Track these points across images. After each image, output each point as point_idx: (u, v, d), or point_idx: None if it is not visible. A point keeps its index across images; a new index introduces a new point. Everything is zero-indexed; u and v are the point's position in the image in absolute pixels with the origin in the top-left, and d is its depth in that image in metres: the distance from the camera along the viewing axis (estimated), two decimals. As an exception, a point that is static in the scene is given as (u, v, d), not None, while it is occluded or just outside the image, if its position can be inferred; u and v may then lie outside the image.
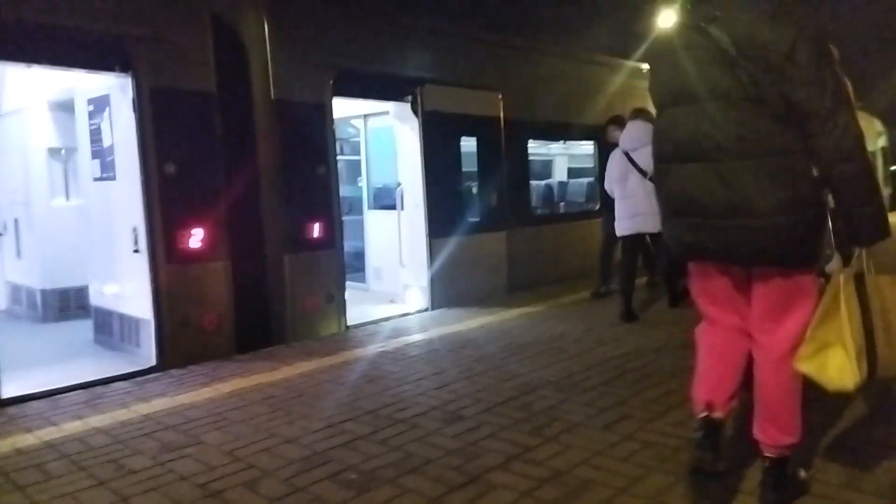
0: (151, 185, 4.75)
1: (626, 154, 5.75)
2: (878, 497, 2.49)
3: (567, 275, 8.17)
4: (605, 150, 6.87)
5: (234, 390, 4.17)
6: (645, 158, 5.46)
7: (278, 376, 4.45)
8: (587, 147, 9.56)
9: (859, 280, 2.18)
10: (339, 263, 5.91)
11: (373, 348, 5.13)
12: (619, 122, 6.54)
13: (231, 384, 4.30)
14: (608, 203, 6.21)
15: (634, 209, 5.67)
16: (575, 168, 12.40)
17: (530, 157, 8.36)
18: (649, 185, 5.33)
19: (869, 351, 2.16)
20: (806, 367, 2.21)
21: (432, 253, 6.57)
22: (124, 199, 4.99)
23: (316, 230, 5.71)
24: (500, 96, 7.40)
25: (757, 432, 2.45)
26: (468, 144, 7.21)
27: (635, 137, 5.69)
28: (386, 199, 7.62)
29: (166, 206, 4.81)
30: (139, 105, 4.70)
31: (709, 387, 2.49)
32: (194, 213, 4.96)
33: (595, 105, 8.84)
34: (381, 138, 7.73)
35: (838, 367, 2.14)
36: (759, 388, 2.41)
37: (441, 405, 3.72)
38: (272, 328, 5.51)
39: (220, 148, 5.13)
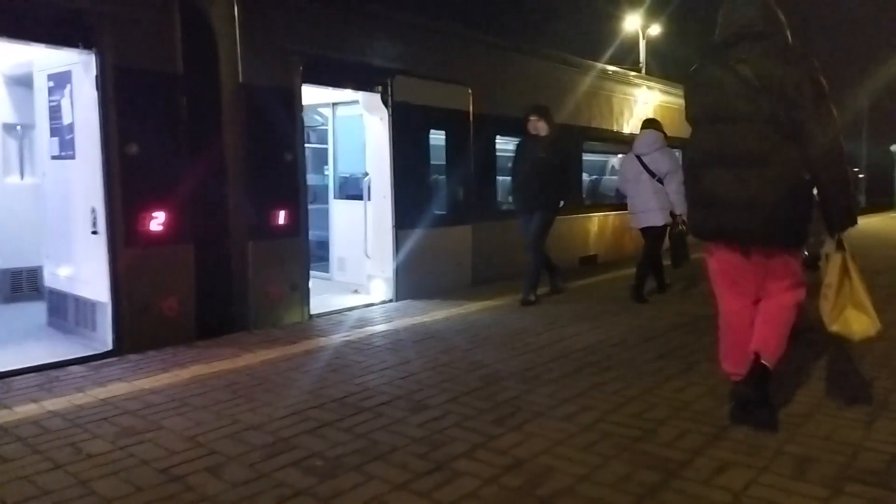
0: (112, 166, 4.63)
1: (639, 158, 6.54)
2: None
3: None
4: (523, 141, 6.71)
5: (194, 376, 4.12)
6: (655, 162, 6.42)
7: (240, 363, 4.41)
8: None
9: (852, 257, 3.00)
10: (303, 252, 5.87)
11: (337, 338, 5.12)
12: (542, 114, 6.47)
13: (191, 370, 4.24)
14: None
15: (643, 206, 6.52)
16: None
17: (497, 153, 8.42)
18: (658, 185, 6.39)
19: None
20: (836, 328, 3.01)
21: (398, 244, 6.58)
22: (83, 179, 4.86)
23: (281, 218, 5.66)
24: (470, 91, 7.42)
25: (754, 346, 3.20)
26: (437, 137, 7.23)
27: (647, 143, 6.57)
28: (352, 189, 7.58)
29: (127, 187, 4.70)
30: (102, 83, 4.58)
31: (732, 362, 3.33)
32: (156, 195, 4.86)
33: (562, 104, 8.96)
34: (348, 127, 7.68)
35: (859, 322, 2.98)
36: (760, 326, 3.23)
37: (406, 394, 3.74)
38: (234, 315, 5.45)
39: (184, 130, 5.04)
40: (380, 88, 6.46)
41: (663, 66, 25.36)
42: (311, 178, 7.72)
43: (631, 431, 3.18)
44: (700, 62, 3.27)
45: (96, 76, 4.57)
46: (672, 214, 6.47)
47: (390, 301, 6.56)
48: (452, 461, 2.87)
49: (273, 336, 5.17)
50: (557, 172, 6.43)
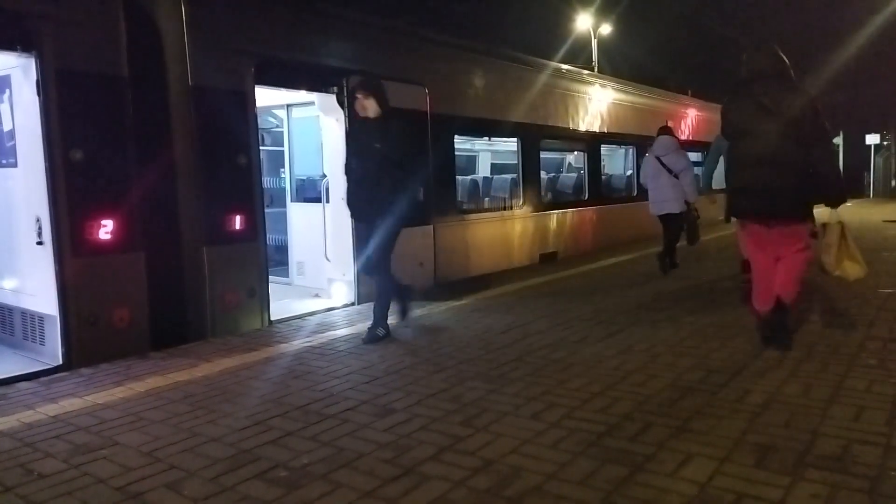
0: (57, 173, 4.46)
1: (658, 159, 7.98)
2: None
3: (494, 269, 8.31)
4: (354, 127, 5.75)
5: (150, 389, 3.98)
6: (672, 162, 7.90)
7: (198, 374, 4.28)
8: (511, 144, 9.72)
9: (845, 225, 4.46)
10: (260, 256, 5.75)
11: (298, 343, 5.03)
12: (369, 89, 5.07)
13: (147, 383, 4.11)
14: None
15: (662, 197, 7.97)
16: (498, 164, 12.59)
17: (457, 153, 8.43)
18: (674, 180, 7.88)
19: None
20: (838, 273, 4.47)
21: (357, 246, 6.49)
22: (26, 188, 4.67)
23: (237, 222, 5.54)
24: (427, 91, 7.40)
25: (777, 290, 4.45)
26: None
27: (664, 146, 8.05)
28: (309, 192, 7.48)
29: (73, 195, 4.54)
30: (44, 87, 4.40)
31: (762, 300, 4.56)
32: (104, 202, 4.70)
33: (520, 103, 9.02)
34: (304, 129, 7.57)
35: (854, 269, 4.45)
36: (781, 277, 4.46)
37: (371, 399, 3.69)
38: (190, 324, 5.31)
39: (132, 134, 4.88)
40: (335, 89, 6.37)
41: (614, 64, 25.78)
42: (268, 182, 7.60)
43: (596, 427, 3.20)
44: (731, 94, 4.57)
45: (37, 80, 4.39)
46: (686, 203, 7.96)
47: (352, 304, 6.48)
48: (420, 465, 2.83)
49: (232, 344, 5.05)
50: (393, 167, 4.94)
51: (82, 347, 4.56)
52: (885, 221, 12.89)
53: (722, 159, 5.12)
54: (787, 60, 4.39)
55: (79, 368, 4.43)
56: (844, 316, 5.34)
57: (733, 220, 4.64)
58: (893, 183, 23.49)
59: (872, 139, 30.78)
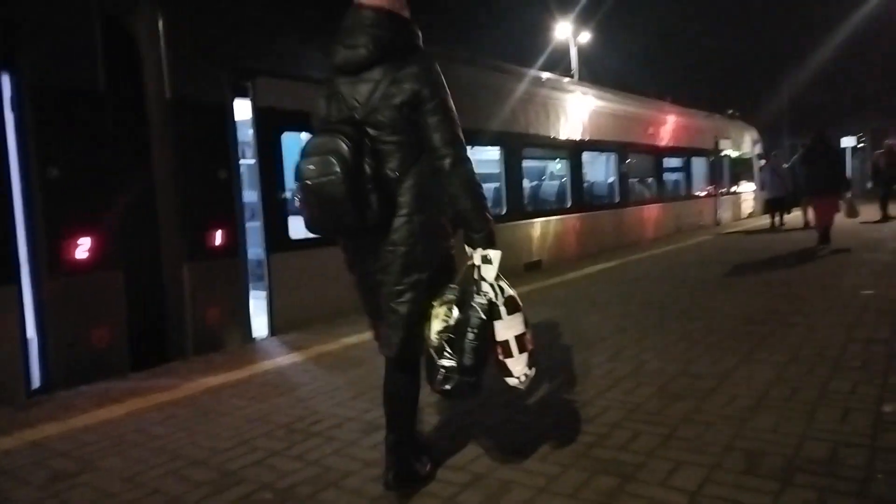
0: (33, 191, 4.37)
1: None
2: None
3: None
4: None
5: (131, 411, 3.90)
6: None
7: (180, 394, 4.20)
8: (493, 153, 9.69)
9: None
10: (242, 272, 5.68)
11: (282, 360, 4.96)
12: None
13: (127, 405, 4.02)
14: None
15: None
16: (479, 174, 12.56)
17: None
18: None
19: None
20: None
21: (270, 268, 5.94)
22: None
23: (217, 238, 5.47)
24: None
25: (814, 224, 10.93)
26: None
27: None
28: (292, 204, 7.40)
29: (49, 213, 4.45)
30: (18, 103, 4.32)
31: (819, 230, 10.51)
32: (81, 220, 4.62)
33: (501, 112, 9.01)
34: (287, 142, 7.50)
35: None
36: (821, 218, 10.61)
37: (358, 415, 3.64)
38: (171, 343, 5.22)
39: (109, 150, 4.81)
40: None
41: (594, 72, 25.99)
42: (249, 196, 7.50)
43: (585, 437, 3.18)
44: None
45: (11, 97, 4.31)
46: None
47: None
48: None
49: (214, 362, 4.97)
50: None
51: (61, 369, 4.46)
52: (862, 223, 13.06)
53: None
54: None
55: (57, 391, 4.33)
56: (827, 318, 5.37)
57: None
58: (870, 185, 23.88)
59: (849, 142, 31.30)
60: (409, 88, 2.42)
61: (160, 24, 5.13)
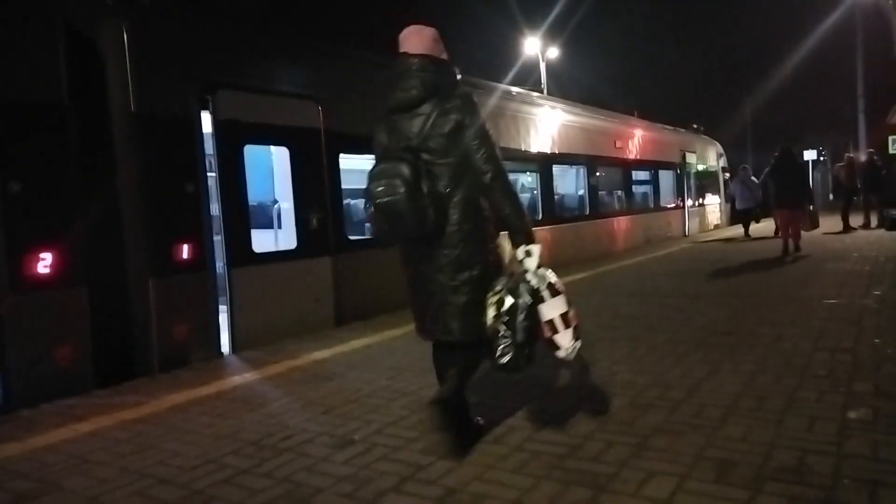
0: None
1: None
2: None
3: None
4: None
5: (95, 429, 3.79)
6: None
7: (146, 411, 4.10)
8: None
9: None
10: (210, 286, 5.59)
11: (251, 375, 4.88)
12: None
13: (91, 423, 3.91)
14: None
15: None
16: None
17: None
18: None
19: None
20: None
21: (231, 285, 5.76)
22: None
23: (184, 252, 5.38)
24: (320, 108, 6.66)
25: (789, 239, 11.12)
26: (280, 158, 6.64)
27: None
28: (261, 218, 7.33)
29: (10, 228, 4.34)
30: None
31: (784, 240, 11.05)
32: (43, 235, 4.52)
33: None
34: (255, 154, 7.44)
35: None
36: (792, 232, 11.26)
37: (329, 430, 3.59)
38: (137, 359, 5.10)
39: (73, 164, 4.72)
40: None
41: (562, 87, 26.35)
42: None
43: (558, 449, 3.18)
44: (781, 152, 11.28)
45: None
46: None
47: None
48: (381, 497, 2.76)
49: (181, 379, 4.86)
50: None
51: (22, 388, 4.33)
52: (825, 234, 13.39)
53: None
54: None
55: (19, 410, 4.19)
56: (793, 327, 5.48)
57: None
58: (831, 197, 24.58)
59: (810, 155, 32.19)
60: (454, 118, 2.94)
61: (125, 35, 5.06)
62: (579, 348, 2.98)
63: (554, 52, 28.90)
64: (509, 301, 2.91)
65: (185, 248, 5.36)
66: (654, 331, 5.66)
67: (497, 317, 2.93)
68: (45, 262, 4.49)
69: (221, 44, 6.03)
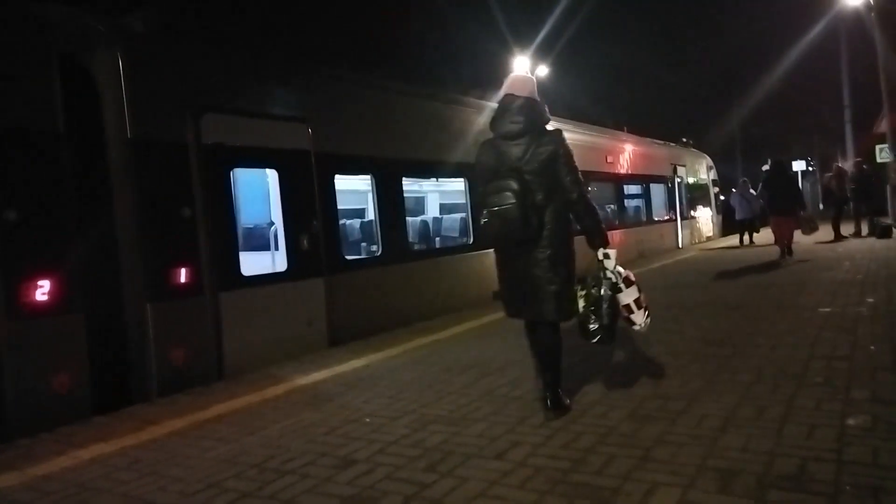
0: None
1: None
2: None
3: (449, 307, 8.12)
4: None
5: (95, 457, 3.77)
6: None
7: (145, 437, 4.08)
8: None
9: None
10: (208, 310, 5.58)
11: (252, 398, 4.86)
12: None
13: (91, 450, 3.88)
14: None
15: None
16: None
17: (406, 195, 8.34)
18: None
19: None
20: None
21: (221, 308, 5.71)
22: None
23: (182, 276, 5.38)
24: (309, 129, 6.66)
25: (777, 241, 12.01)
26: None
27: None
28: (258, 240, 7.34)
29: (7, 256, 4.34)
30: None
31: (780, 245, 11.80)
32: (40, 262, 4.52)
33: (462, 144, 9.09)
34: (251, 177, 7.47)
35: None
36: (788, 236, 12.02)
37: (331, 451, 3.58)
38: (135, 385, 5.08)
39: (69, 191, 4.74)
40: None
41: (552, 104, 26.57)
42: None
43: (561, 463, 3.18)
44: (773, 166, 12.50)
45: None
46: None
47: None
48: (385, 517, 2.75)
49: (180, 404, 4.84)
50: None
51: (20, 416, 4.30)
52: (817, 243, 13.49)
53: None
54: None
55: (17, 439, 4.16)
56: (789, 336, 5.51)
57: None
58: (821, 206, 24.80)
59: (799, 165, 32.48)
60: (548, 149, 3.77)
61: (120, 62, 5.11)
62: (649, 323, 3.92)
63: (543, 71, 29.18)
64: (595, 294, 3.73)
65: (183, 272, 5.37)
66: (651, 342, 5.68)
67: (586, 307, 3.75)
68: (42, 290, 4.48)
69: (209, 67, 6.08)
